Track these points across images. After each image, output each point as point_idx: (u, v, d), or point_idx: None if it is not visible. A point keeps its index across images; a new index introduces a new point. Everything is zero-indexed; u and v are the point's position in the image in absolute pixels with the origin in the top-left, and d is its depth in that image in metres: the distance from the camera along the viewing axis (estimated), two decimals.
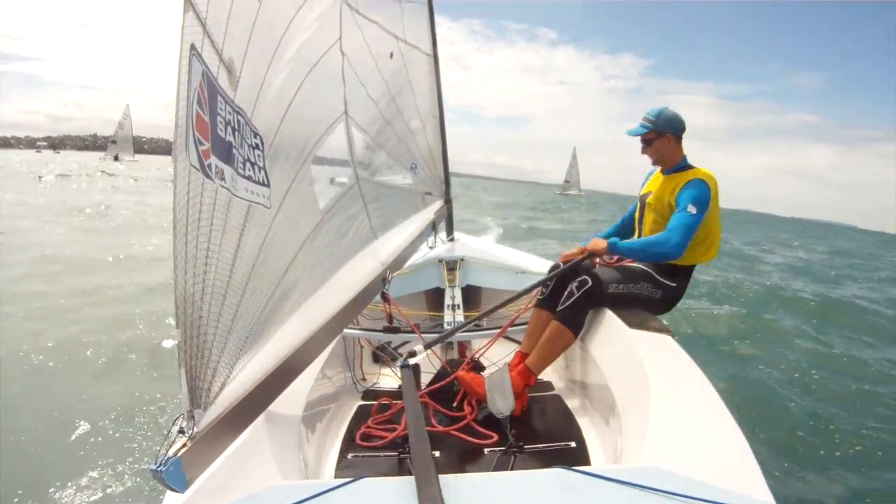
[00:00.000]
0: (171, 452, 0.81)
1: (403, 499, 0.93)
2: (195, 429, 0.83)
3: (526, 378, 1.94)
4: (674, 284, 2.12)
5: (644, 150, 2.18)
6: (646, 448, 1.11)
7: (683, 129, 2.16)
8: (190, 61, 0.87)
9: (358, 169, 1.90)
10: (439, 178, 3.13)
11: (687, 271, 2.16)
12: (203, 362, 0.89)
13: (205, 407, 0.87)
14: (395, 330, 2.26)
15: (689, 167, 2.14)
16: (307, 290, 1.42)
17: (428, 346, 1.91)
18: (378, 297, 2.01)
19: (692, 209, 2.00)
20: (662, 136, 2.12)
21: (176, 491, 0.83)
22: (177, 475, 0.82)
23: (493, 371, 1.94)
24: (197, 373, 0.86)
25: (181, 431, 0.82)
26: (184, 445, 0.82)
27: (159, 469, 0.81)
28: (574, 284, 1.99)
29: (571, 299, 1.97)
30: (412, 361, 1.77)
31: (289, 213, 1.33)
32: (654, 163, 2.18)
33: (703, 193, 2.03)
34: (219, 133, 1.02)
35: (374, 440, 1.71)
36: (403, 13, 2.44)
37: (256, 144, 1.21)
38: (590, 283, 1.96)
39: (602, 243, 2.16)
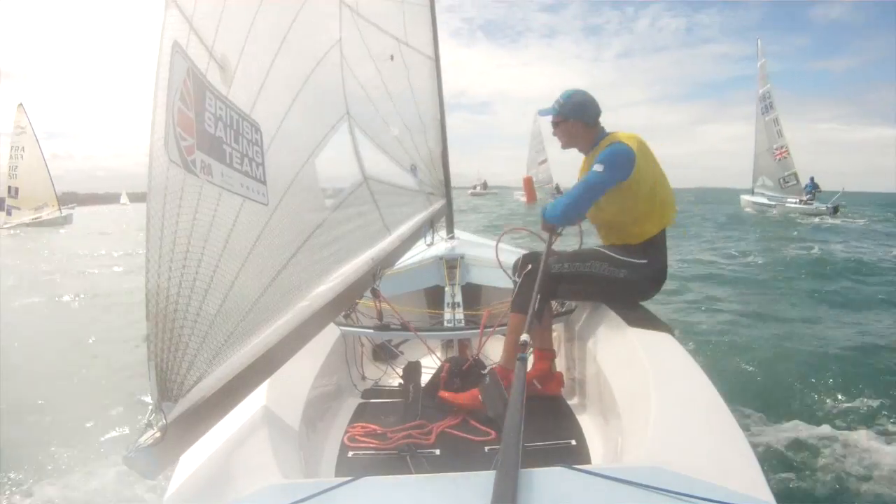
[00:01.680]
0: (142, 440, 0.82)
1: (404, 497, 0.93)
2: (165, 420, 0.84)
3: (507, 375, 1.91)
4: (642, 261, 1.99)
5: (553, 132, 2.14)
6: (646, 447, 1.10)
7: (596, 116, 2.07)
8: (172, 58, 0.88)
9: (364, 168, 1.91)
10: (439, 180, 3.13)
11: (652, 245, 2.02)
12: (178, 356, 0.90)
13: (176, 399, 0.88)
14: (386, 327, 2.27)
15: (606, 136, 2.05)
16: (308, 286, 1.42)
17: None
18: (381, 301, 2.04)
19: (598, 167, 1.92)
20: (567, 122, 2.07)
21: (146, 478, 0.84)
22: (147, 463, 0.83)
23: (484, 379, 1.95)
24: (169, 366, 0.87)
25: (149, 424, 0.83)
26: (154, 434, 0.83)
27: (130, 456, 0.82)
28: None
29: (516, 286, 1.98)
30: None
31: (289, 209, 1.34)
32: (563, 146, 2.13)
33: (614, 152, 1.93)
34: (206, 129, 1.03)
35: (374, 439, 1.72)
36: (405, 15, 2.46)
37: (256, 140, 1.22)
38: (529, 266, 1.97)
39: (543, 220, 2.15)
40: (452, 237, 3.62)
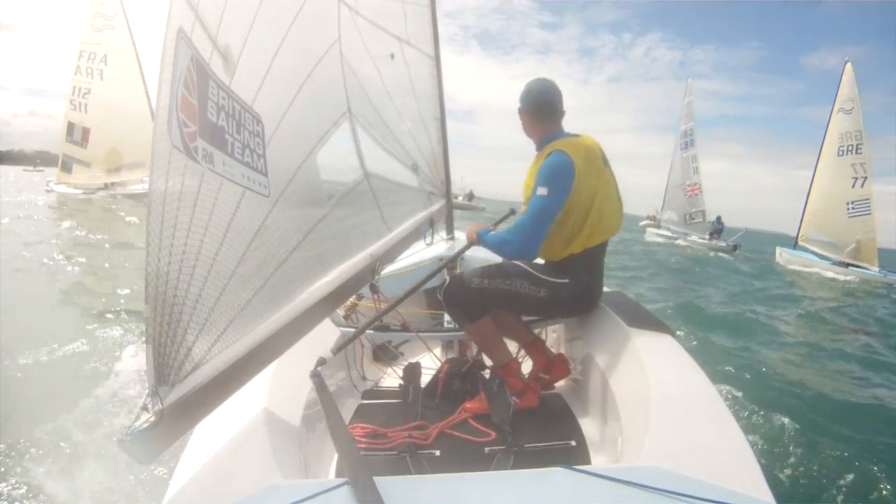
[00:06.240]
0: (137, 424, 0.82)
1: (403, 498, 0.93)
2: (161, 405, 0.84)
3: (510, 372, 1.93)
4: (563, 280, 1.86)
5: None
6: (646, 447, 1.10)
7: (541, 109, 1.91)
8: (176, 45, 0.89)
9: (365, 165, 1.92)
10: (440, 180, 3.14)
11: (574, 263, 1.87)
12: (176, 341, 0.90)
13: (172, 384, 0.88)
14: (386, 328, 2.27)
15: (555, 139, 1.87)
16: (308, 279, 1.43)
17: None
18: (380, 299, 2.04)
19: (542, 190, 1.76)
20: (519, 110, 1.98)
21: (140, 462, 0.84)
22: (141, 447, 0.83)
23: (491, 386, 1.96)
24: (167, 350, 0.87)
25: (144, 408, 0.83)
26: (150, 418, 0.83)
27: (125, 439, 0.82)
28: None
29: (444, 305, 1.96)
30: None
31: (291, 203, 1.35)
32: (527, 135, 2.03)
33: (554, 166, 1.76)
34: (209, 117, 1.03)
35: (374, 439, 1.71)
36: (406, 15, 2.47)
37: (257, 132, 1.22)
38: (446, 282, 1.92)
39: (475, 231, 2.06)
40: (452, 238, 3.62)
